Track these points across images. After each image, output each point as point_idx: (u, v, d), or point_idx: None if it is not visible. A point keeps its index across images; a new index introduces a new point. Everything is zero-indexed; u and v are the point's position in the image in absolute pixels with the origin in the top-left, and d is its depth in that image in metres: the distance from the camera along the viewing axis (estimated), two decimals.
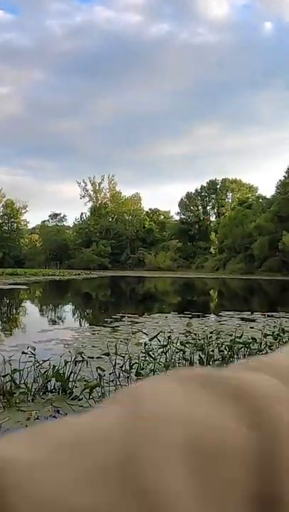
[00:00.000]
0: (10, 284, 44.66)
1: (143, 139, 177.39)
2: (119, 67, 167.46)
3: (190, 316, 19.95)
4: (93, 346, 12.17)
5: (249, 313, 21.12)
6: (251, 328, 15.41)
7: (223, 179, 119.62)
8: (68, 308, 29.20)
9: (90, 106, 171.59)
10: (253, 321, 18.28)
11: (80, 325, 19.75)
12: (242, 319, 18.69)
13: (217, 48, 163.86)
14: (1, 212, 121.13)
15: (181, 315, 20.42)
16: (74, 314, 25.38)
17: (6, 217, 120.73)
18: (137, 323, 17.62)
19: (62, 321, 20.59)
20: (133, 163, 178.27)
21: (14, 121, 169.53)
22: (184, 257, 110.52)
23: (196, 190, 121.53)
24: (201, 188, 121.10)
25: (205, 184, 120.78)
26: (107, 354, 9.25)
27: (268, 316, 19.11)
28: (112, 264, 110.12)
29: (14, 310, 26.43)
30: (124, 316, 19.52)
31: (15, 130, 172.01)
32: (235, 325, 16.15)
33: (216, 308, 28.96)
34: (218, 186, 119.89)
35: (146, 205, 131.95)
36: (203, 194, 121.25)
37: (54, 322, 20.35)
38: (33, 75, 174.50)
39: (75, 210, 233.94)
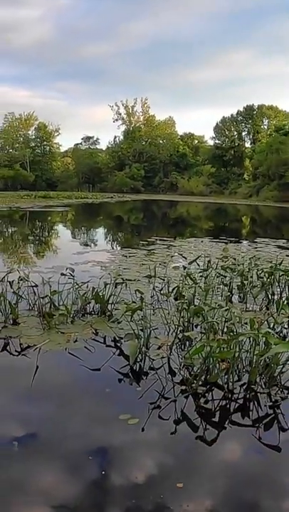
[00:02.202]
0: (43, 207, 44.70)
1: (177, 63, 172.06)
2: None
3: (225, 241, 19.70)
4: (128, 269, 12.04)
5: (285, 241, 20.77)
6: (288, 256, 15.13)
7: (259, 105, 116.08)
8: (102, 230, 29.13)
9: (123, 30, 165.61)
10: None
11: (115, 247, 19.64)
12: (278, 247, 18.35)
13: None
14: (33, 135, 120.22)
15: (217, 240, 20.16)
16: (107, 237, 25.30)
17: (38, 140, 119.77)
18: (172, 246, 17.46)
19: (96, 244, 20.53)
20: (167, 88, 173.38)
21: (46, 45, 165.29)
22: (217, 183, 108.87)
23: (232, 116, 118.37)
24: (237, 113, 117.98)
25: (241, 109, 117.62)
26: (149, 276, 9.12)
27: None
28: (144, 187, 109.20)
29: (47, 232, 26.43)
30: (158, 240, 19.40)
31: (47, 54, 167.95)
32: (272, 252, 15.92)
33: (250, 234, 28.58)
34: (254, 112, 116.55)
35: (181, 129, 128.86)
36: (239, 119, 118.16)
37: (88, 244, 20.28)
38: None
39: (108, 133, 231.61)
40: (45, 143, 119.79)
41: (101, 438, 4.33)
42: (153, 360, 5.87)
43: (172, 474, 3.78)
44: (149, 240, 19.71)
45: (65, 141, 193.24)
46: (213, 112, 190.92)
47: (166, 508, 3.36)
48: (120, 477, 3.77)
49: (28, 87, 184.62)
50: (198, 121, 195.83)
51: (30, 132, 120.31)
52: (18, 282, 7.92)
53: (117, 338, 6.61)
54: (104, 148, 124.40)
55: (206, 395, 5.10)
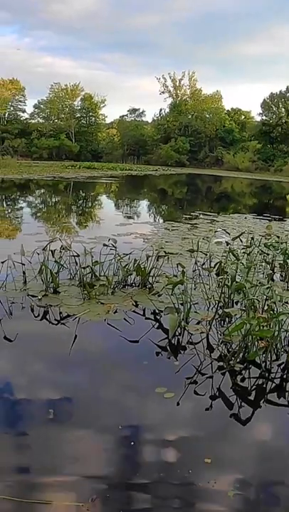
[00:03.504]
0: (87, 178, 44.73)
1: (224, 36, 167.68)
2: None
3: (269, 219, 19.43)
4: (170, 242, 11.98)
5: None
6: None
7: None
8: (145, 203, 29.02)
9: (169, 1, 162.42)
10: None
11: (158, 220, 19.57)
12: None
13: None
14: (79, 106, 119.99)
15: (260, 217, 19.89)
16: (150, 209, 25.20)
17: (84, 111, 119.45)
18: (215, 221, 17.31)
19: (138, 216, 20.47)
20: (214, 61, 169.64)
21: (92, 16, 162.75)
22: (262, 159, 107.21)
23: (281, 92, 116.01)
24: (286, 90, 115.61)
25: None
26: (192, 251, 9.06)
27: None
28: (189, 161, 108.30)
29: (91, 203, 26.43)
30: (201, 214, 19.25)
31: (93, 24, 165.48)
32: None
33: None
34: None
35: (227, 104, 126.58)
36: (287, 96, 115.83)
37: (131, 216, 20.25)
38: None
39: (153, 105, 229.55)
40: (90, 114, 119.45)
41: (136, 409, 4.36)
42: (192, 334, 5.86)
43: (204, 450, 3.77)
44: (192, 214, 19.58)
45: (111, 112, 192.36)
46: (261, 87, 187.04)
47: (193, 483, 3.37)
48: (151, 449, 3.80)
49: (74, 58, 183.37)
50: (245, 96, 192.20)
51: (75, 103, 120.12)
52: (60, 251, 7.95)
53: (157, 311, 6.60)
54: (149, 121, 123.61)
55: (243, 372, 5.07)
